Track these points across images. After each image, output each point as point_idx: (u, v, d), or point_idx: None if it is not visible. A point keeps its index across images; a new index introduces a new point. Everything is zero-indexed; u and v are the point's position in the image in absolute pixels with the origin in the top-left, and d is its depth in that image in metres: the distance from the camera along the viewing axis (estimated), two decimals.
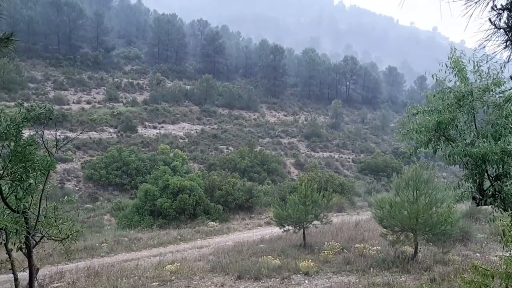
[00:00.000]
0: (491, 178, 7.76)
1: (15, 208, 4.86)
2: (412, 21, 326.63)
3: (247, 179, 38.69)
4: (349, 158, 59.81)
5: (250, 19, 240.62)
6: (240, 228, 24.87)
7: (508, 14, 2.26)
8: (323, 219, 17.37)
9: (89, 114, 53.08)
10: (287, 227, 17.37)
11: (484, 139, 7.49)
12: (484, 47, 2.55)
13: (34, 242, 5.18)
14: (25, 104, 46.89)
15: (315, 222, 17.39)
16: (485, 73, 7.85)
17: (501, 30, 2.35)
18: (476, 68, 7.93)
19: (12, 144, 4.90)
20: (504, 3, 2.17)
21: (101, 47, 77.32)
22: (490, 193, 7.74)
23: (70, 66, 69.09)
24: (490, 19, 2.28)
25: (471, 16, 2.06)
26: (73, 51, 73.46)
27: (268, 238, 19.65)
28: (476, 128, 8.01)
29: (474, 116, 7.96)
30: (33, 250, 5.15)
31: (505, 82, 7.64)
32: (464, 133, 8.12)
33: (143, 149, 45.69)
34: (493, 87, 7.72)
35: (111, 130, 50.57)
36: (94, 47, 77.17)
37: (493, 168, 7.79)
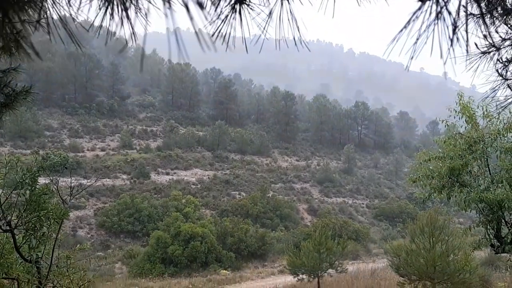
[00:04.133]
0: (508, 225, 7.60)
1: (28, 257, 4.87)
2: (422, 67, 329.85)
3: (260, 225, 38.25)
4: (363, 203, 59.02)
5: (261, 67, 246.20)
6: (253, 276, 24.34)
7: None
8: (338, 268, 16.98)
9: (103, 161, 53.73)
10: (301, 275, 16.98)
11: (499, 185, 7.39)
12: (494, 97, 2.60)
13: None
14: (41, 152, 47.75)
15: (330, 270, 16.99)
16: (495, 118, 7.86)
17: (506, 81, 2.39)
18: (486, 113, 7.96)
19: (28, 192, 4.98)
20: (509, 56, 2.22)
21: (116, 96, 79.30)
22: (508, 240, 7.55)
23: (86, 114, 70.71)
24: (497, 70, 2.33)
25: (476, 69, 2.11)
26: (89, 100, 75.35)
27: None
28: (490, 174, 7.93)
29: (487, 162, 7.90)
30: None
31: None
32: (478, 178, 8.03)
33: (156, 195, 45.74)
34: (504, 132, 7.70)
35: (125, 176, 50.91)
36: (110, 96, 79.16)
37: (510, 214, 7.64)
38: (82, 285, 5.23)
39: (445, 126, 8.91)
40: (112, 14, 1.45)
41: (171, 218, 29.34)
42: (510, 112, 7.41)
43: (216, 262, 26.27)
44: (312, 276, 16.82)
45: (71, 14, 1.62)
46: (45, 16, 1.63)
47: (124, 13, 1.36)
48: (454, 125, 8.66)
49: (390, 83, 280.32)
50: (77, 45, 1.46)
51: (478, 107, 8.11)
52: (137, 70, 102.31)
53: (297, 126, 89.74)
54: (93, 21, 1.51)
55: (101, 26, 1.52)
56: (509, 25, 1.84)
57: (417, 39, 1.24)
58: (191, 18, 1.19)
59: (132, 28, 1.39)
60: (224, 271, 25.05)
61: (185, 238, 25.88)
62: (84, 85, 75.99)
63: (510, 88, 2.22)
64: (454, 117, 8.40)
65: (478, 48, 1.90)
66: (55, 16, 1.64)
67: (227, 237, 28.64)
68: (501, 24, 1.76)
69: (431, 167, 8.29)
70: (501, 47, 1.96)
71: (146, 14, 1.36)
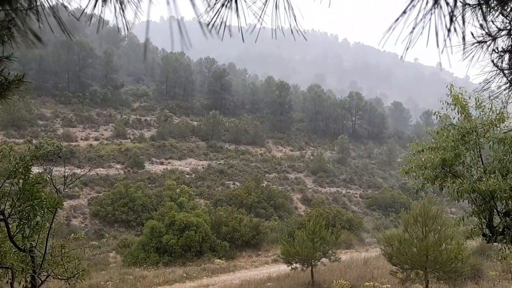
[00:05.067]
0: (500, 215, 7.67)
1: (22, 246, 4.86)
2: (416, 57, 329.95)
3: (254, 215, 38.38)
4: (356, 193, 59.34)
5: (256, 57, 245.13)
6: (247, 265, 24.47)
7: (509, 56, 2.31)
8: (332, 256, 17.10)
9: (97, 150, 53.51)
10: (295, 264, 17.09)
11: (492, 175, 7.45)
12: (488, 87, 2.60)
13: (40, 281, 5.15)
14: (34, 141, 47.46)
15: (323, 259, 17.11)
16: (488, 108, 7.90)
17: (503, 71, 2.39)
18: (479, 103, 7.99)
19: (21, 182, 4.96)
20: (505, 46, 2.22)
21: (110, 85, 78.69)
22: (500, 230, 7.62)
23: (79, 104, 70.20)
24: (492, 61, 2.32)
25: (472, 59, 2.11)
26: (82, 89, 74.77)
27: (276, 277, 19.29)
28: (483, 164, 7.98)
29: (480, 152, 7.95)
30: None
31: (509, 117, 7.67)
32: (471, 169, 8.08)
33: (150, 185, 45.70)
34: (497, 122, 7.74)
35: (118, 166, 50.78)
36: (103, 85, 78.55)
37: (502, 204, 7.70)
38: (76, 273, 5.24)
39: (437, 118, 8.94)
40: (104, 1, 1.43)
41: (165, 208, 29.34)
42: (502, 102, 7.43)
43: (210, 251, 26.35)
44: (306, 265, 16.94)
45: (63, 3, 1.59)
46: (36, 4, 1.60)
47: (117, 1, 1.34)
48: (447, 116, 8.69)
49: (384, 74, 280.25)
50: (67, 34, 1.44)
51: (470, 97, 8.14)
52: (130, 59, 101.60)
53: (292, 116, 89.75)
54: (87, 9, 1.48)
55: (92, 15, 1.50)
56: (505, 15, 1.83)
57: (413, 28, 1.23)
58: (194, 5, 1.18)
59: (124, 18, 1.37)
60: (218, 260, 25.14)
61: (180, 228, 25.91)
62: (77, 74, 75.34)
63: (506, 77, 2.22)
64: (446, 109, 8.43)
65: (474, 37, 1.89)
66: (46, 4, 1.61)
67: (221, 227, 28.71)
68: (497, 14, 1.76)
69: (423, 158, 8.33)
70: (498, 36, 1.96)
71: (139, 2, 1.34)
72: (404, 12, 1.21)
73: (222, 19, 1.35)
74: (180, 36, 1.17)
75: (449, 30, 1.22)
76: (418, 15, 1.21)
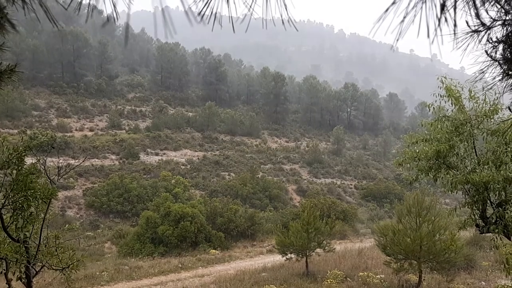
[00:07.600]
0: (493, 205, 7.72)
1: (16, 237, 4.85)
2: (412, 48, 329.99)
3: (249, 206, 38.49)
4: (351, 184, 59.56)
5: (251, 47, 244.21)
6: (242, 256, 24.55)
7: (503, 47, 2.30)
8: (326, 247, 17.17)
9: (92, 141, 53.32)
10: (289, 255, 17.15)
11: (485, 166, 7.49)
12: (481, 78, 2.60)
13: (34, 272, 5.15)
14: (28, 132, 47.19)
15: (318, 250, 17.18)
16: (481, 100, 7.92)
17: (497, 62, 2.39)
18: (472, 94, 8.01)
19: (15, 172, 4.94)
20: (499, 36, 2.21)
21: (104, 75, 78.17)
22: (493, 220, 7.68)
23: (74, 94, 69.75)
24: (486, 51, 2.32)
25: (466, 49, 2.10)
26: (76, 79, 74.25)
27: (271, 267, 19.38)
28: (476, 155, 8.02)
29: (474, 143, 7.98)
30: (33, 280, 5.11)
31: (502, 109, 7.69)
32: (465, 160, 8.12)
33: (145, 176, 45.65)
34: (490, 114, 7.77)
35: (113, 157, 50.65)
36: (98, 75, 78.03)
37: (495, 195, 7.75)
38: (71, 264, 5.24)
39: (431, 110, 8.94)
40: None
41: (160, 199, 29.35)
42: (495, 94, 7.46)
43: (205, 242, 26.40)
44: (300, 256, 17.01)
45: None
46: None
47: None
48: (441, 108, 8.70)
49: (380, 65, 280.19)
50: (53, 23, 1.42)
51: (462, 89, 8.15)
52: (125, 50, 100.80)
53: (287, 107, 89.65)
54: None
55: (81, 3, 1.48)
56: (500, 5, 1.82)
57: (404, 17, 1.22)
58: None
59: (114, 6, 1.35)
60: (214, 250, 25.21)
61: (175, 218, 25.92)
62: (71, 64, 74.77)
63: (501, 67, 2.22)
64: (440, 102, 8.45)
65: (468, 25, 1.88)
66: None
67: (216, 217, 28.76)
68: (492, 3, 1.75)
69: (417, 150, 8.36)
70: (492, 26, 1.95)
71: None
72: (394, 2, 1.20)
73: (212, 9, 1.34)
74: (164, 24, 1.16)
75: (439, 20, 1.21)
76: (408, 4, 1.20)
